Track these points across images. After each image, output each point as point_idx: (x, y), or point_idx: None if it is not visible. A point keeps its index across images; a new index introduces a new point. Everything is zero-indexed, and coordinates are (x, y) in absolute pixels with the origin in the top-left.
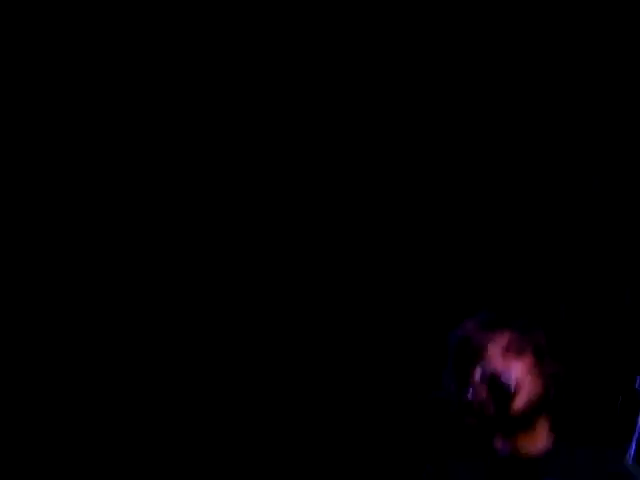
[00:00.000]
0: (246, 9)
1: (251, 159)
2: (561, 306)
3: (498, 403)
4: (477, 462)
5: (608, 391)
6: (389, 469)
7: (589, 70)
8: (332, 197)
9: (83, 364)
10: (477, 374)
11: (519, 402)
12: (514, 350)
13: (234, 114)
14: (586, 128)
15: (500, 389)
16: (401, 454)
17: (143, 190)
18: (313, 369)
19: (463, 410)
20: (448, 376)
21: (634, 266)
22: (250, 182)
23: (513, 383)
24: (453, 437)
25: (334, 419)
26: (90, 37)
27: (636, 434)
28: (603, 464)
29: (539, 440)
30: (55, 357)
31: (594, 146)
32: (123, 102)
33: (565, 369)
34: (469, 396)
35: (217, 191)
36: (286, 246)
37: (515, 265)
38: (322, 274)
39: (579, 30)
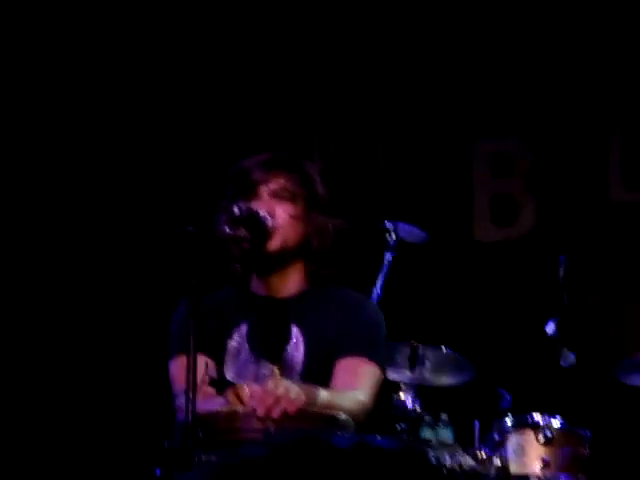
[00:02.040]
0: None
1: None
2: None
3: (254, 239)
4: (233, 294)
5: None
6: None
7: None
8: None
9: None
10: (236, 208)
11: (275, 242)
12: (285, 194)
13: None
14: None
15: (256, 226)
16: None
17: None
18: None
19: (223, 241)
20: (219, 209)
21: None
22: None
23: (270, 222)
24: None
25: None
26: None
27: None
28: (350, 302)
29: (292, 284)
30: None
31: None
32: None
33: (337, 226)
34: (227, 229)
35: None
36: None
37: None
38: None
39: None
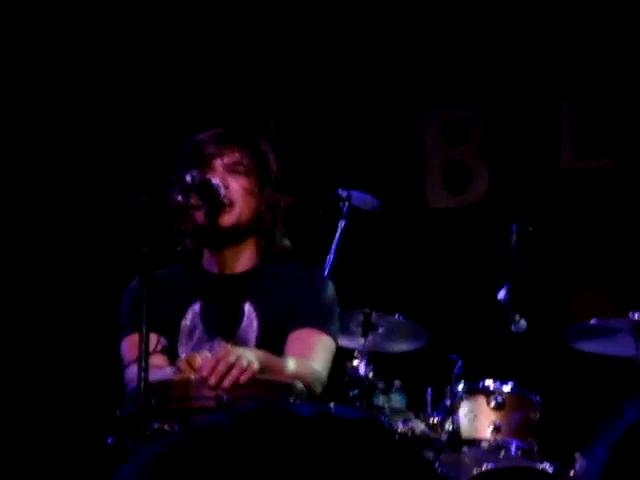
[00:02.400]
0: None
1: None
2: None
3: (207, 208)
4: (185, 272)
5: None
6: None
7: None
8: None
9: None
10: (189, 176)
11: (229, 217)
12: (240, 168)
13: None
14: None
15: (209, 194)
16: None
17: None
18: None
19: (175, 211)
20: (173, 181)
21: None
22: None
23: (223, 191)
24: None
25: None
26: None
27: None
28: (300, 275)
29: (244, 260)
30: None
31: None
32: None
33: (290, 202)
34: (180, 197)
35: None
36: None
37: None
38: None
39: None
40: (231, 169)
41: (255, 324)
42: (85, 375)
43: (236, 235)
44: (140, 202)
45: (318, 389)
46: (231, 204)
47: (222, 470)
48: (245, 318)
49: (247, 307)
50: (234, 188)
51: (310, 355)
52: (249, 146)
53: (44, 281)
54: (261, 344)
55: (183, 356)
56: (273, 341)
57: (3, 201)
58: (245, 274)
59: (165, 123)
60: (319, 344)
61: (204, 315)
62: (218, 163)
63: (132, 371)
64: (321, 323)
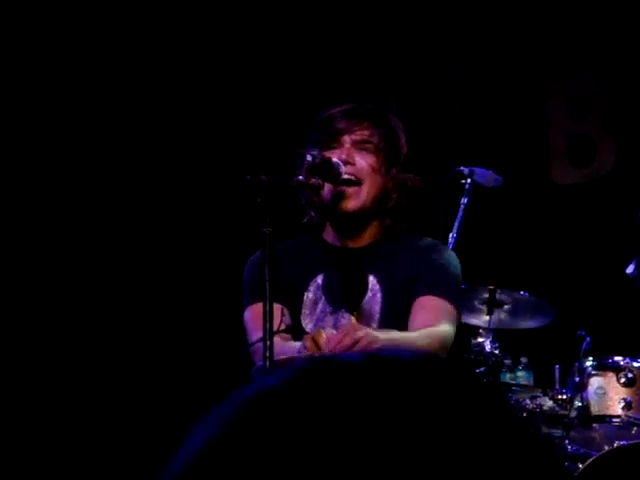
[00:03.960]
0: None
1: None
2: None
3: (332, 189)
4: (308, 245)
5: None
6: None
7: None
8: None
9: None
10: (309, 156)
11: (355, 199)
12: (369, 146)
13: None
14: None
15: (329, 174)
16: None
17: None
18: None
19: (296, 190)
20: (302, 153)
21: None
22: None
23: (343, 172)
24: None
25: None
26: None
27: None
28: (422, 246)
29: (368, 235)
30: None
31: None
32: None
33: (417, 182)
34: (300, 177)
35: None
36: None
37: None
38: None
39: None
40: (359, 146)
41: (379, 296)
42: (206, 353)
43: (362, 217)
44: (262, 182)
45: (444, 354)
46: (358, 181)
47: (282, 435)
48: (369, 290)
49: (371, 279)
50: (361, 165)
51: (434, 322)
52: (380, 123)
53: (169, 262)
54: (385, 316)
55: (307, 328)
56: (397, 313)
57: (119, 174)
58: (368, 247)
59: (288, 102)
60: (443, 311)
61: (327, 287)
62: (347, 139)
63: (258, 346)
64: (445, 291)
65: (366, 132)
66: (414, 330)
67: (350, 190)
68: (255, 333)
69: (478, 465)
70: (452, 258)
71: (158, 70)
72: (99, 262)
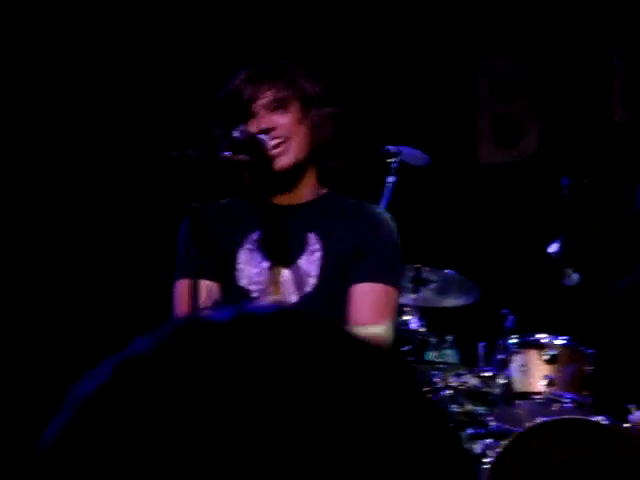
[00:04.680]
0: None
1: None
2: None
3: (256, 163)
4: (243, 203)
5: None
6: None
7: None
8: None
9: None
10: (237, 132)
11: (286, 157)
12: (279, 104)
13: None
14: None
15: (256, 149)
16: None
17: None
18: None
19: (225, 166)
20: (218, 132)
21: None
22: None
23: (270, 146)
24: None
25: None
26: None
27: None
28: (369, 215)
29: (305, 191)
30: None
31: None
32: None
33: (334, 113)
34: (227, 154)
35: None
36: None
37: None
38: None
39: None
40: (272, 107)
41: (318, 254)
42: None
43: (298, 169)
44: (188, 158)
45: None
46: (286, 140)
47: (152, 402)
48: (308, 247)
49: (311, 236)
50: (281, 125)
51: (378, 318)
52: (278, 77)
53: (99, 237)
54: (323, 274)
55: (242, 284)
56: (335, 273)
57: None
58: (309, 203)
59: (201, 70)
60: (389, 304)
61: (263, 244)
62: (258, 106)
63: None
64: (391, 278)
65: (273, 91)
66: (354, 324)
67: (280, 149)
68: (181, 309)
69: (353, 422)
70: (396, 234)
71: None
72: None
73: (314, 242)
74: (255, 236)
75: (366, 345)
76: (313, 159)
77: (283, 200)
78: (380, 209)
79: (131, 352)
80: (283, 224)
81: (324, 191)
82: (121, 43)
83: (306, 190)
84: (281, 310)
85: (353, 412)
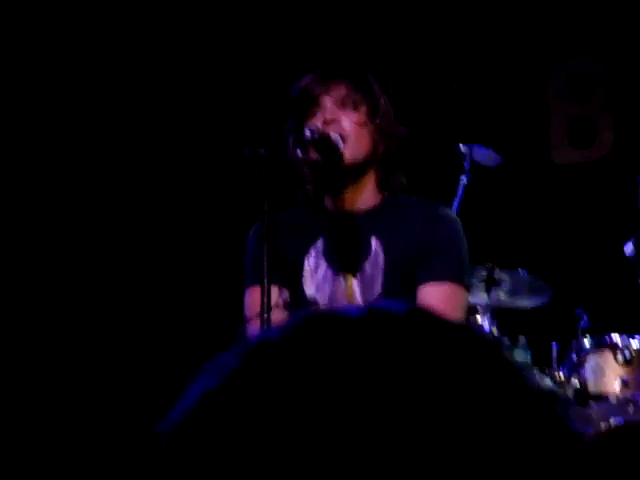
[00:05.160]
0: None
1: None
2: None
3: (326, 162)
4: (307, 213)
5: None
6: None
7: None
8: None
9: None
10: (308, 131)
11: (347, 155)
12: (348, 103)
13: None
14: None
15: (328, 148)
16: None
17: None
18: None
19: (294, 164)
20: (287, 130)
21: None
22: None
23: (341, 142)
24: (279, 192)
25: None
26: None
27: None
28: (430, 212)
29: (366, 196)
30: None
31: None
32: None
33: (402, 130)
34: (299, 152)
35: None
36: None
37: None
38: None
39: None
40: (340, 104)
41: (381, 259)
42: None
43: (355, 172)
44: (260, 156)
45: None
46: (347, 142)
47: (279, 388)
48: (371, 253)
49: (374, 242)
50: (345, 123)
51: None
52: (354, 79)
53: (170, 236)
54: (388, 279)
55: (309, 293)
56: (400, 277)
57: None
58: (370, 210)
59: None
60: (457, 303)
61: (328, 251)
62: (326, 100)
63: (253, 325)
64: (457, 276)
65: (343, 90)
66: None
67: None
68: (251, 312)
69: (476, 419)
70: (460, 230)
71: (151, 52)
72: (99, 239)
73: (377, 247)
74: (320, 244)
75: (494, 348)
76: (373, 166)
77: (345, 206)
78: (443, 207)
79: (261, 340)
80: (346, 231)
81: (385, 195)
82: (195, 41)
83: (367, 195)
84: (411, 309)
85: (477, 411)
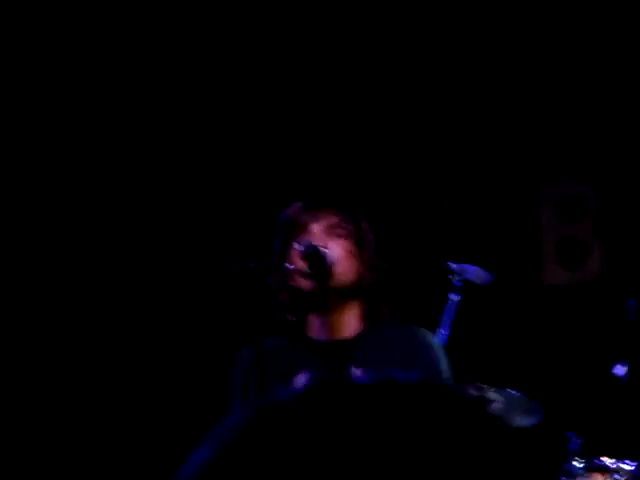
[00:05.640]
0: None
1: None
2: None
3: (316, 275)
4: (289, 345)
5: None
6: None
7: None
8: None
9: None
10: (297, 246)
11: (335, 279)
12: (337, 231)
13: None
14: None
15: (318, 261)
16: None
17: None
18: None
19: (280, 281)
20: (274, 253)
21: None
22: None
23: (331, 258)
24: (266, 315)
25: None
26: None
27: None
28: (414, 341)
29: (351, 324)
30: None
31: None
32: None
33: (385, 263)
34: (288, 266)
35: None
36: None
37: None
38: None
39: None
40: (330, 232)
41: None
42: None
43: (341, 297)
44: (250, 269)
45: None
46: (336, 267)
47: (289, 446)
48: None
49: (358, 373)
50: (335, 251)
51: None
52: (344, 210)
53: (161, 345)
54: None
55: None
56: None
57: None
58: (354, 339)
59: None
60: None
61: (312, 382)
62: (316, 227)
63: None
64: None
65: (333, 218)
66: None
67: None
68: None
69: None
70: (443, 357)
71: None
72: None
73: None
74: (304, 377)
75: (504, 428)
76: (357, 295)
77: (329, 335)
78: (425, 332)
79: (273, 399)
80: (329, 362)
81: (369, 324)
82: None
83: (350, 325)
84: (424, 381)
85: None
